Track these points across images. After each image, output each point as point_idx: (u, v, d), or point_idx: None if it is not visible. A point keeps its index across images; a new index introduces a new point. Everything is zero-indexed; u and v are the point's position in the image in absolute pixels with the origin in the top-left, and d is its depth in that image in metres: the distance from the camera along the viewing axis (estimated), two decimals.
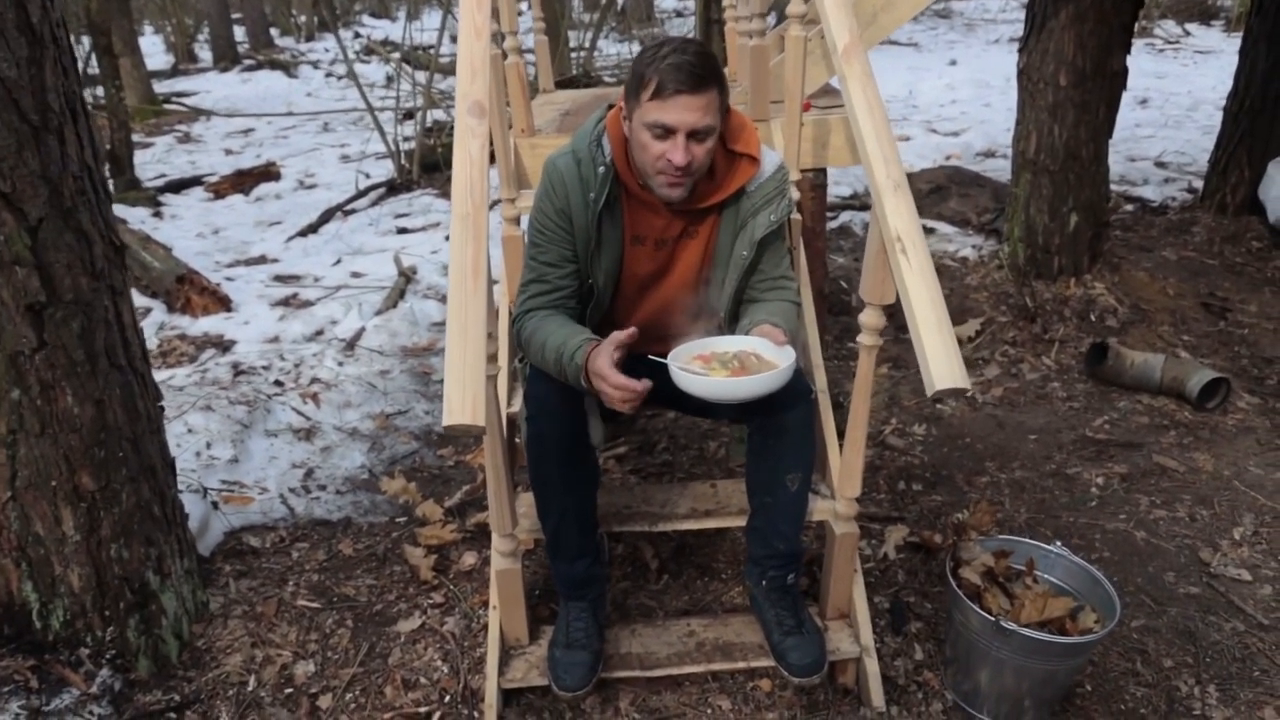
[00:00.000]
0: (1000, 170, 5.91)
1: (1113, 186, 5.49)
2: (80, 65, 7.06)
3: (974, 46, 12.49)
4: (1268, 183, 4.46)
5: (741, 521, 2.06)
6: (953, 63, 11.08)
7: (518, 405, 2.16)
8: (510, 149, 2.35)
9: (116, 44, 9.34)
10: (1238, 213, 4.62)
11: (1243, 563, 2.37)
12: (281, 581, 2.33)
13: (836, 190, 5.81)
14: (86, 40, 7.28)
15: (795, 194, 2.45)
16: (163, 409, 2.14)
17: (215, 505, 2.51)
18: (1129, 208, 5.15)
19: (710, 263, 1.90)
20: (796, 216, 2.43)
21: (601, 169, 1.76)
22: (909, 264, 1.59)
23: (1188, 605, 2.23)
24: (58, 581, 1.83)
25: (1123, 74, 4.24)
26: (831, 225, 5.08)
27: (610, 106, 1.83)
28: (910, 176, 5.84)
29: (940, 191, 5.26)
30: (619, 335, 1.66)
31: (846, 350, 3.65)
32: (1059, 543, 2.06)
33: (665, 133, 1.67)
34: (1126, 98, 8.42)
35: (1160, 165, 6.08)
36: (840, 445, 2.11)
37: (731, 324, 1.93)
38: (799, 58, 2.23)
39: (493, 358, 1.73)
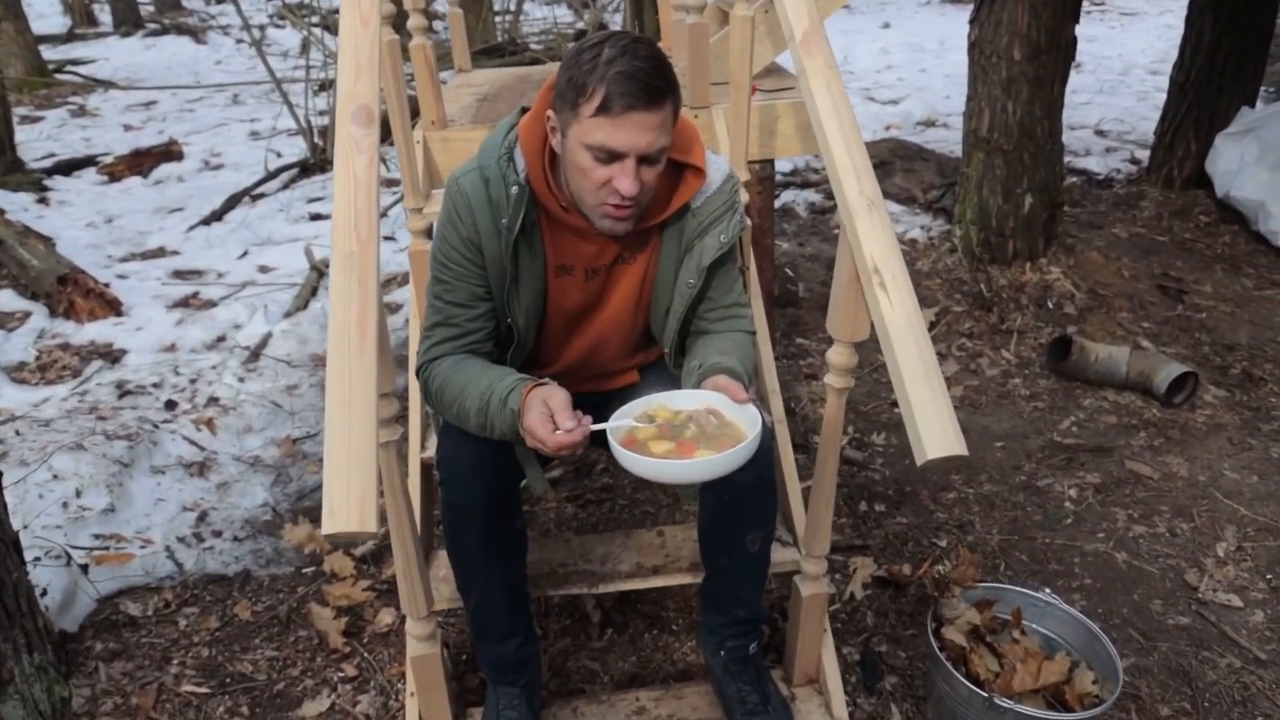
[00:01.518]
0: (941, 141, 5.71)
1: None
2: None
3: (906, 8, 12.30)
4: (1215, 155, 4.33)
5: (694, 579, 1.81)
6: (886, 25, 10.87)
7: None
8: (412, 146, 2.01)
9: None
10: (1185, 186, 4.50)
11: (1230, 585, 2.21)
12: (164, 660, 2.01)
13: (778, 165, 5.54)
14: None
15: (744, 197, 2.17)
16: None
17: (85, 568, 2.16)
18: (1075, 180, 5.00)
19: (651, 291, 1.61)
20: (746, 222, 2.16)
21: (514, 189, 1.45)
22: (889, 301, 1.33)
23: (1178, 639, 2.06)
24: None
25: (1072, 44, 4.05)
26: (775, 205, 4.82)
27: (524, 110, 1.52)
28: None
29: (884, 167, 5.04)
30: (556, 400, 1.36)
31: (796, 348, 3.41)
32: (1048, 590, 1.85)
33: (612, 157, 1.36)
34: None
35: (1100, 134, 5.95)
36: (803, 490, 1.87)
37: (678, 358, 1.65)
38: (746, 39, 1.94)
39: (390, 422, 1.44)
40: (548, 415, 1.33)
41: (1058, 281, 3.60)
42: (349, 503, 1.15)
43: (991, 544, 2.36)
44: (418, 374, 1.56)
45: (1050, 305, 3.52)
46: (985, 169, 3.62)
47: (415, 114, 2.31)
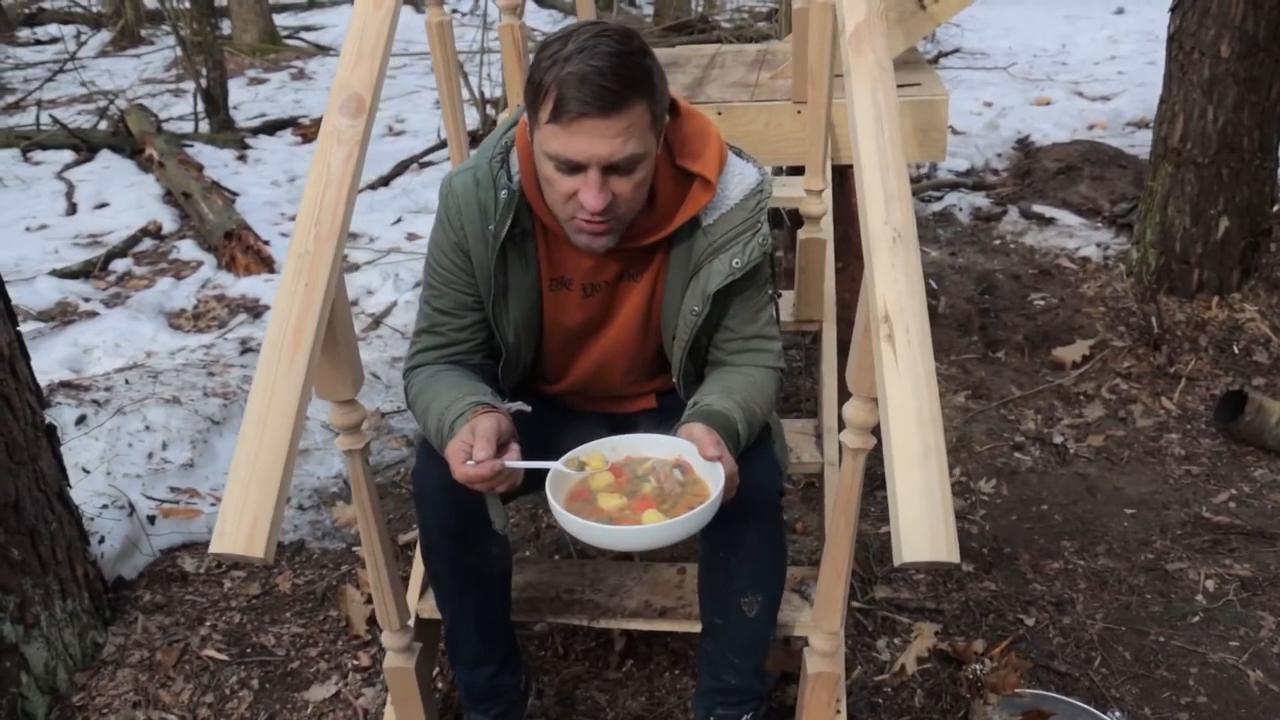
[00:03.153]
0: (1149, 147, 5.05)
1: None
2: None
3: None
4: None
5: (700, 628, 1.64)
6: (1119, 11, 9.78)
7: None
8: (464, 136, 1.93)
9: None
10: None
11: None
12: (198, 621, 2.07)
13: (952, 164, 5.09)
14: None
15: (820, 207, 1.93)
16: (52, 428, 1.88)
17: (151, 519, 2.27)
18: None
19: (660, 314, 1.44)
20: (821, 235, 1.92)
21: (504, 194, 1.32)
22: (895, 359, 1.10)
23: None
24: None
25: None
26: (935, 209, 4.43)
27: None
28: (1038, 152, 5.07)
29: (1070, 172, 4.51)
30: (482, 426, 1.24)
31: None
32: (1119, 714, 1.54)
33: (571, 168, 1.21)
34: None
35: None
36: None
37: (691, 389, 1.47)
38: (826, 29, 1.70)
39: (354, 428, 1.36)
40: (467, 445, 1.21)
41: (1251, 322, 3.06)
42: (240, 525, 1.09)
43: (1091, 632, 2.01)
44: (404, 376, 1.48)
45: (1236, 350, 2.99)
46: (1173, 184, 3.12)
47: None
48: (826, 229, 1.96)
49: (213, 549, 1.08)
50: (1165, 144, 3.13)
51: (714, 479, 1.22)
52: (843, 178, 2.34)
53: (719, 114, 2.27)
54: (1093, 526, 2.34)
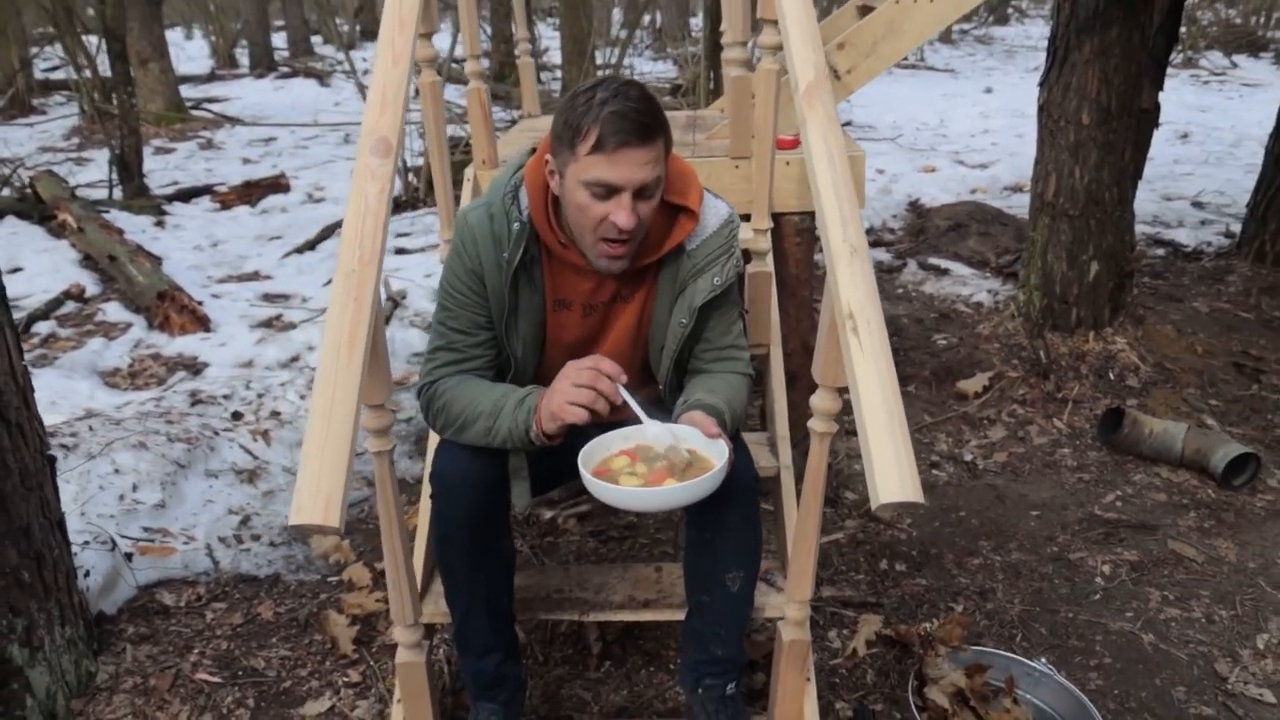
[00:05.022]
0: (1025, 208, 5.60)
1: (1145, 228, 5.20)
2: (99, 69, 7.02)
3: (1012, 74, 12.16)
4: None
5: (683, 615, 1.83)
6: (988, 90, 10.77)
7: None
8: (448, 181, 2.14)
9: (144, 49, 9.38)
10: (1277, 261, 4.30)
11: (1265, 679, 2.08)
12: (186, 649, 2.13)
13: None
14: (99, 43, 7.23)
15: (766, 244, 2.21)
16: (53, 459, 1.95)
17: (129, 557, 2.32)
18: (1160, 252, 4.84)
19: (648, 329, 1.67)
20: (767, 269, 2.20)
21: (516, 225, 1.54)
22: (860, 347, 1.35)
23: None
24: None
25: (1154, 112, 3.97)
26: None
27: (532, 151, 1.61)
28: (929, 212, 5.59)
29: (959, 229, 5.00)
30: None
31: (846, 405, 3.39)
32: (1043, 659, 1.80)
33: (609, 192, 1.44)
34: (1166, 132, 8.10)
35: (1197, 206, 5.75)
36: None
37: (674, 394, 1.70)
38: (770, 91, 2.00)
39: (383, 432, 1.52)
40: (592, 363, 1.46)
41: (1122, 352, 3.48)
42: (316, 499, 1.24)
43: (1011, 614, 2.29)
44: (419, 394, 1.65)
45: (1112, 376, 3.41)
46: (1051, 234, 3.56)
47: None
48: (770, 264, 2.23)
49: (292, 521, 1.23)
50: (1042, 199, 3.57)
51: (716, 453, 1.44)
52: (776, 225, 2.63)
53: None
54: (1004, 527, 2.64)
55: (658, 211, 1.58)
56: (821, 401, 1.52)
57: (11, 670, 1.75)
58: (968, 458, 3.03)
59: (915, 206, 5.88)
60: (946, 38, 16.05)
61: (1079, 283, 3.53)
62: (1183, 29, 13.56)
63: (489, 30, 11.97)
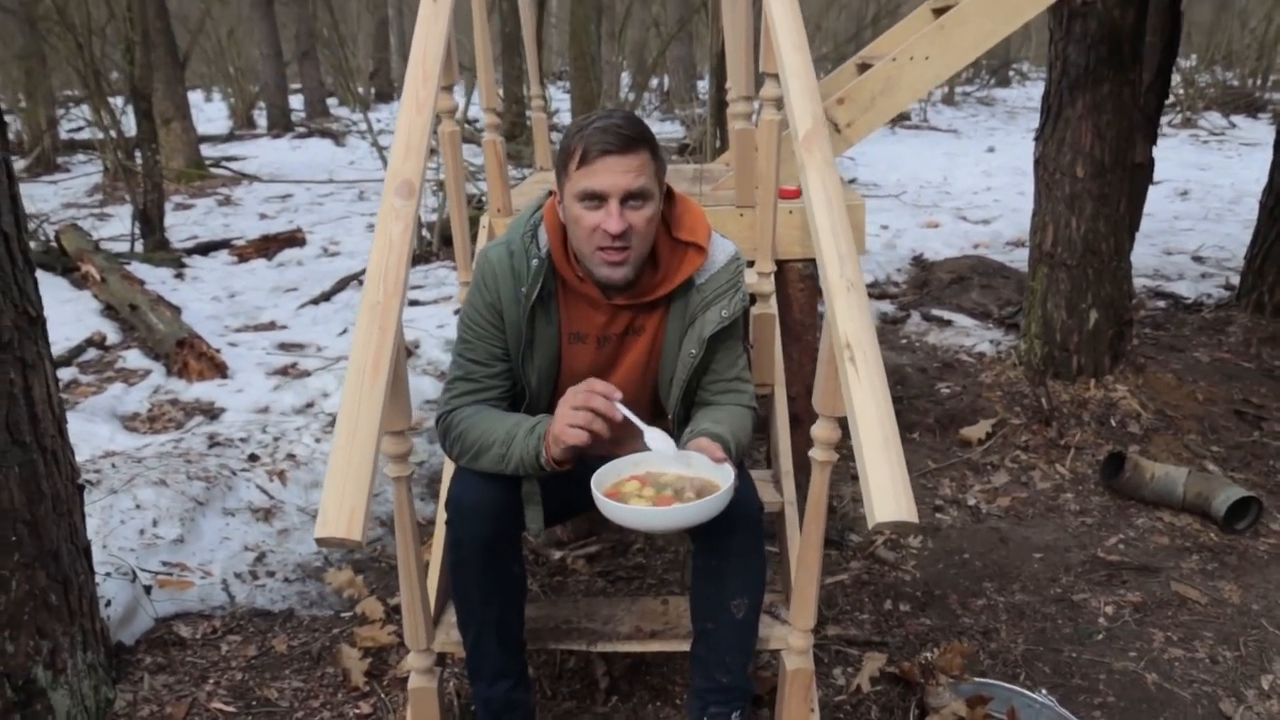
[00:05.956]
0: (1026, 262, 5.72)
1: (1145, 281, 5.29)
2: (123, 129, 7.26)
3: (1014, 134, 12.40)
4: None
5: (689, 646, 1.86)
6: (990, 150, 10.99)
7: None
8: (465, 226, 2.24)
9: (168, 109, 9.68)
10: (1276, 312, 4.37)
11: (1270, 718, 2.10)
12: (201, 679, 2.17)
13: None
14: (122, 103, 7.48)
15: (770, 287, 2.30)
16: (82, 488, 2.02)
17: (148, 590, 2.37)
18: (1160, 304, 4.91)
19: (658, 361, 1.74)
20: (771, 311, 2.28)
21: (535, 261, 1.64)
22: (857, 375, 1.42)
23: None
24: None
25: (1148, 166, 4.08)
26: None
27: (550, 193, 1.71)
28: (932, 266, 5.69)
29: (962, 282, 5.09)
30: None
31: (848, 449, 3.44)
32: (1044, 690, 1.82)
33: (597, 201, 1.54)
34: (1166, 189, 8.26)
35: (1198, 260, 5.84)
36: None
37: (681, 426, 1.76)
38: (772, 141, 2.10)
39: (403, 457, 1.59)
40: (591, 387, 1.53)
41: (1123, 400, 3.54)
42: (340, 514, 1.30)
43: (1015, 653, 2.31)
44: (437, 422, 1.72)
45: (1113, 423, 3.45)
46: (1049, 283, 3.65)
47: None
48: (774, 306, 2.31)
49: (317, 534, 1.29)
50: (1040, 249, 3.66)
51: (722, 476, 1.50)
52: (780, 272, 2.72)
53: None
54: (1008, 569, 2.67)
55: (667, 246, 1.67)
56: (821, 431, 1.59)
57: (35, 691, 1.80)
58: (971, 502, 3.06)
59: (919, 260, 5.99)
60: (950, 99, 16.42)
61: (1079, 331, 3.60)
62: (1181, 90, 13.88)
63: (501, 92, 12.32)
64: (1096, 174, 3.45)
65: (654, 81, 16.45)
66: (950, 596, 2.55)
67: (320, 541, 1.29)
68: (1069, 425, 3.44)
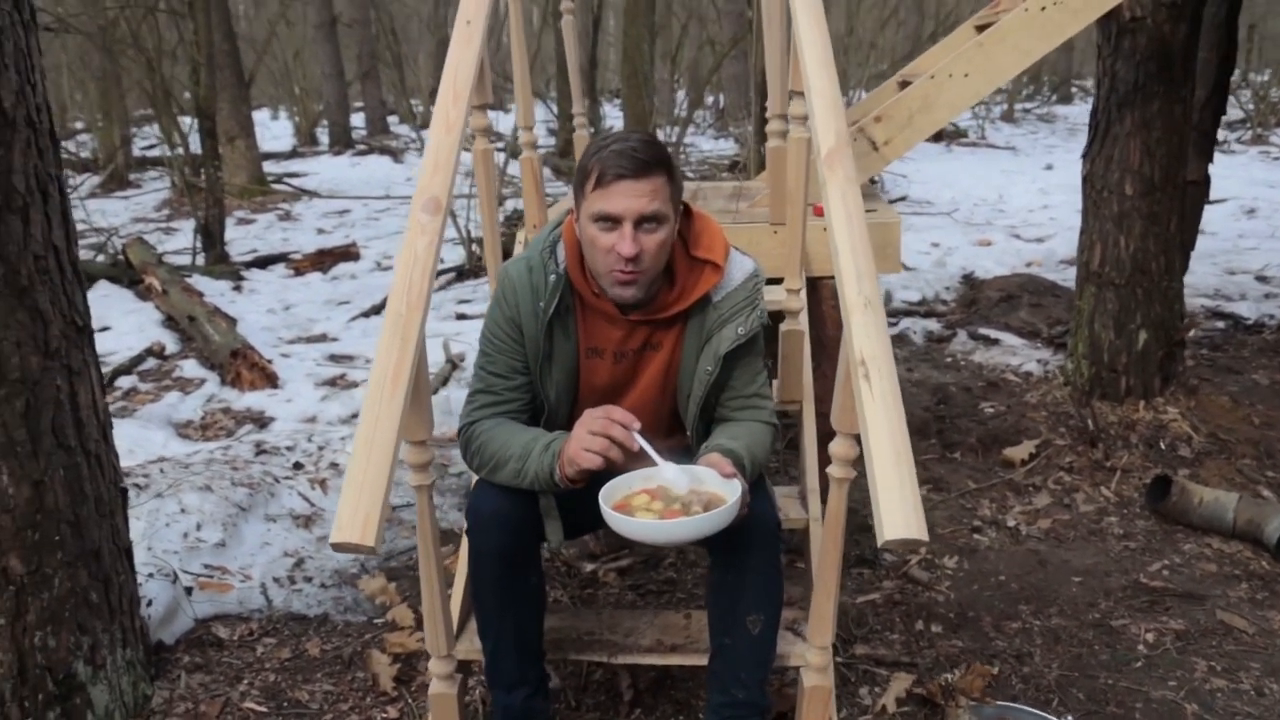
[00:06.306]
0: None
1: (1205, 301, 5.14)
2: (190, 147, 7.54)
3: (1073, 151, 12.09)
4: None
5: (706, 661, 1.86)
6: (1048, 167, 10.80)
7: None
8: (497, 241, 2.28)
9: (232, 128, 10.01)
10: None
11: None
12: (236, 679, 2.23)
13: (905, 295, 5.60)
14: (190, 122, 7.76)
15: (798, 303, 2.29)
16: (125, 491, 2.10)
17: (189, 591, 2.45)
18: (1220, 325, 4.77)
19: (676, 377, 1.76)
20: (800, 327, 2.28)
21: (553, 277, 1.66)
22: (871, 391, 1.41)
23: None
24: None
25: (1204, 184, 3.98)
26: (891, 332, 4.87)
27: (570, 211, 1.74)
28: (981, 284, 5.61)
29: (1010, 300, 5.01)
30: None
31: None
32: (1071, 718, 1.78)
33: (611, 223, 1.56)
34: (1231, 207, 8.03)
35: (1261, 279, 5.66)
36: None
37: (700, 441, 1.77)
38: (801, 158, 2.10)
39: (424, 467, 1.63)
40: (607, 413, 1.54)
41: (1174, 422, 3.44)
42: (355, 519, 1.34)
43: (1049, 678, 2.26)
44: (459, 434, 1.75)
45: (1163, 446, 3.36)
46: (1097, 303, 3.57)
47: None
48: (803, 323, 2.31)
49: (333, 540, 1.33)
50: (1087, 268, 3.59)
51: (730, 492, 1.50)
52: (814, 289, 2.71)
53: None
54: (1045, 592, 2.61)
55: (684, 264, 1.69)
56: (839, 448, 1.58)
57: (75, 685, 1.87)
58: (1011, 523, 3.00)
59: (969, 279, 5.91)
60: (1009, 116, 16.17)
61: (1127, 351, 3.52)
62: (1251, 106, 13.46)
63: (555, 109, 12.48)
64: (1146, 192, 3.38)
65: (709, 99, 16.54)
66: (984, 618, 2.50)
67: (335, 546, 1.33)
68: (1115, 447, 3.36)
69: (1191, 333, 4.52)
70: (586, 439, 1.53)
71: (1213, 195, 4.45)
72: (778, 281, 2.66)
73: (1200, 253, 6.07)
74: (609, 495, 1.53)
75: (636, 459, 1.56)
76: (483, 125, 2.15)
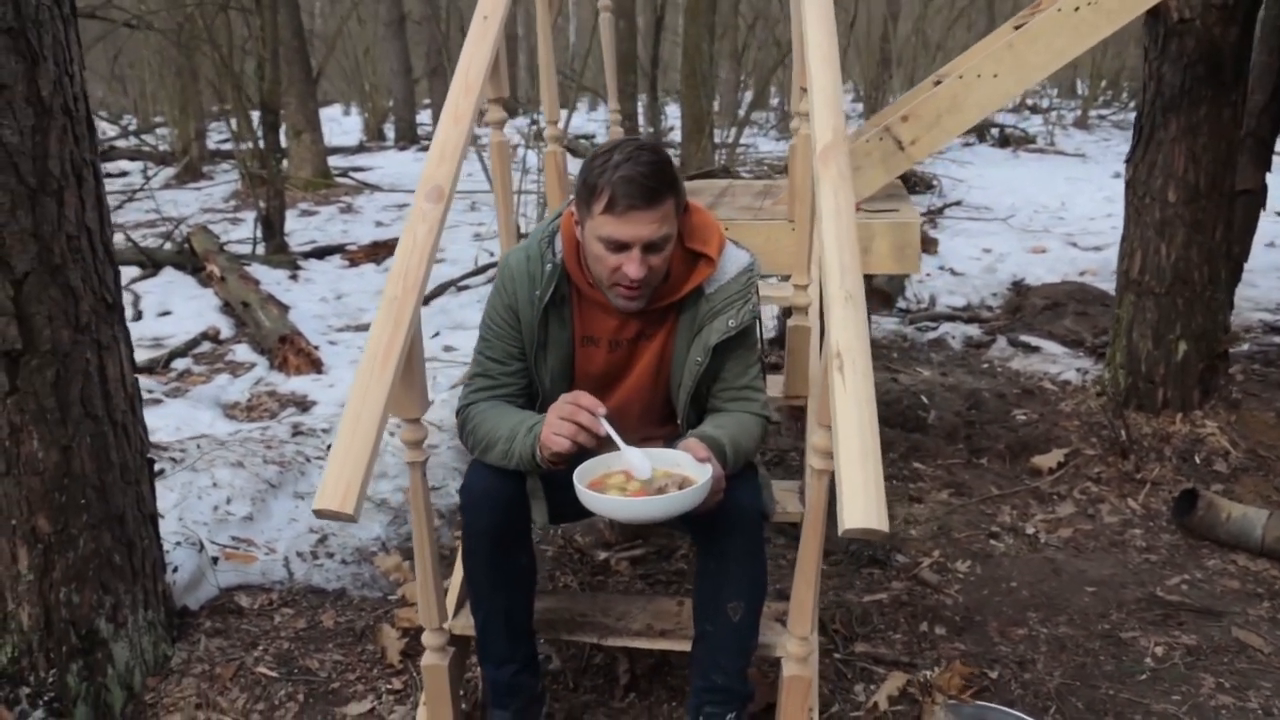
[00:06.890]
0: None
1: (1265, 315, 4.97)
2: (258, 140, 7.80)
3: None
4: None
5: None
6: (1117, 175, 10.47)
7: None
8: (513, 235, 2.34)
9: (299, 122, 10.31)
10: None
11: None
12: (252, 645, 2.33)
13: (950, 300, 5.53)
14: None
15: (806, 299, 2.31)
16: (152, 461, 2.22)
17: (215, 561, 2.56)
18: (1276, 340, 4.60)
19: (669, 367, 1.79)
20: (807, 324, 2.29)
21: (549, 266, 1.71)
22: (843, 384, 1.44)
23: None
24: (9, 618, 1.90)
25: (1260, 193, 3.87)
26: (930, 336, 4.82)
27: (570, 202, 1.78)
28: (1027, 291, 5.51)
29: (1056, 308, 4.91)
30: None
31: (910, 471, 3.39)
32: None
33: (620, 247, 1.60)
34: None
35: None
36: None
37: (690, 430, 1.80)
38: (808, 154, 2.11)
39: (418, 444, 1.69)
40: (574, 398, 1.59)
41: (1212, 436, 3.35)
42: (337, 488, 1.41)
43: (1049, 685, 2.23)
44: (457, 415, 1.82)
45: (1198, 460, 3.27)
46: (1136, 311, 3.49)
47: None
48: (812, 318, 2.32)
49: (315, 507, 1.40)
50: (1127, 276, 3.52)
51: (701, 474, 1.54)
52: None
53: (726, 229, 2.69)
54: (1056, 601, 2.58)
55: (679, 256, 1.72)
56: (819, 440, 1.60)
57: (97, 641, 1.98)
58: (1030, 531, 2.97)
59: (1018, 286, 5.80)
60: (1082, 122, 15.75)
61: (1166, 362, 3.44)
62: None
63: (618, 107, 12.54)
64: (1189, 199, 3.29)
65: (774, 100, 16.46)
66: (990, 623, 2.48)
67: (317, 513, 1.40)
68: (1148, 459, 3.28)
69: (1245, 346, 4.38)
70: (556, 424, 1.58)
71: (1275, 206, 4.30)
72: (785, 278, 2.67)
73: (1265, 265, 5.87)
74: (586, 474, 1.59)
75: (606, 444, 1.60)
76: (499, 119, 2.21)
